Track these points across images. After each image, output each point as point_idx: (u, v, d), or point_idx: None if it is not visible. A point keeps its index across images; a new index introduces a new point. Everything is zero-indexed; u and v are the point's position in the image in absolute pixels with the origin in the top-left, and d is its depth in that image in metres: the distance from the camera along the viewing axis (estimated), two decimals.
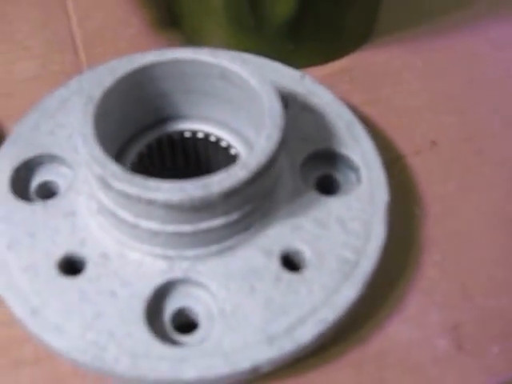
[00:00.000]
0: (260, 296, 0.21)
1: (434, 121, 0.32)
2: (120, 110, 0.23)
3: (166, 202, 0.19)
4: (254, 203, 0.21)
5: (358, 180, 0.24)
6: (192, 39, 0.34)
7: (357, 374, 0.23)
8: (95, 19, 0.35)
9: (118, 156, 0.24)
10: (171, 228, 0.21)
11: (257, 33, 0.31)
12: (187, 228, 0.21)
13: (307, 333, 0.20)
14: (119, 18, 0.36)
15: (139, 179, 0.20)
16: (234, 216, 0.21)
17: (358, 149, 0.25)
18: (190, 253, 0.21)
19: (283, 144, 0.22)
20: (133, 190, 0.19)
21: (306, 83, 0.27)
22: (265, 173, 0.21)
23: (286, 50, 0.32)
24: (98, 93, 0.22)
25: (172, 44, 0.34)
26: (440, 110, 0.32)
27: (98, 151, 0.20)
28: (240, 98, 0.23)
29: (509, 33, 0.37)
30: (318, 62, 0.33)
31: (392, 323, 0.24)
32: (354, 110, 0.31)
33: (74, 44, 0.34)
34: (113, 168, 0.20)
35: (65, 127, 0.25)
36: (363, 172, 0.24)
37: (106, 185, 0.20)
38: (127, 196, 0.20)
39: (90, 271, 0.21)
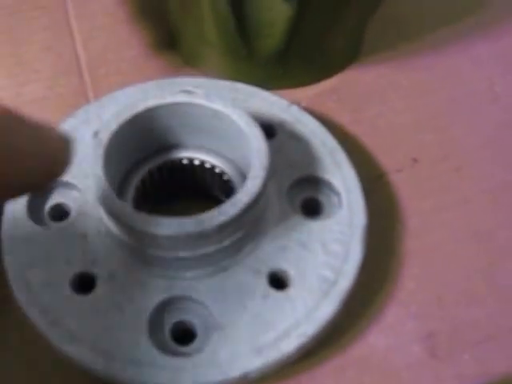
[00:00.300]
0: (250, 312, 0.24)
1: (415, 139, 0.34)
2: (125, 146, 0.26)
3: (165, 236, 0.22)
4: (245, 230, 0.24)
5: (340, 204, 0.27)
6: (189, 62, 0.36)
7: (339, 377, 0.26)
8: (98, 40, 0.38)
9: (123, 182, 0.27)
10: (171, 254, 0.23)
11: (249, 60, 0.34)
12: (185, 254, 0.23)
13: (290, 345, 0.23)
14: (121, 39, 0.38)
15: (143, 216, 0.22)
16: (227, 242, 0.24)
17: (340, 175, 0.28)
18: (189, 273, 0.24)
19: (269, 179, 0.24)
20: (138, 226, 0.22)
21: (293, 111, 0.30)
22: (252, 208, 0.23)
23: (276, 74, 0.35)
24: (105, 136, 0.24)
25: (171, 66, 0.37)
26: (422, 128, 0.34)
27: (108, 191, 0.23)
28: (231, 134, 0.26)
29: (490, 50, 0.39)
30: (307, 83, 0.36)
31: (371, 332, 0.27)
32: (341, 129, 0.34)
33: (79, 66, 0.36)
34: (121, 206, 0.23)
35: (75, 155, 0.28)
36: (344, 197, 0.27)
37: (114, 219, 0.23)
38: (133, 229, 0.23)
39: (100, 288, 0.24)
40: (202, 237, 0.23)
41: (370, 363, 0.26)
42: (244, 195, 0.23)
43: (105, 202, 0.23)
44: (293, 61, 0.34)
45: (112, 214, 0.23)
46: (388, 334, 0.27)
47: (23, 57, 0.37)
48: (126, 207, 0.23)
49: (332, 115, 0.34)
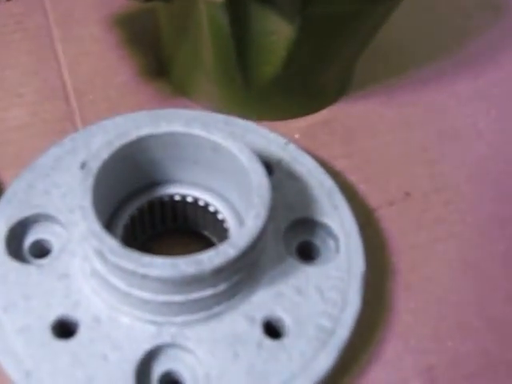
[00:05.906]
0: (243, 362, 0.22)
1: (406, 172, 0.34)
2: (115, 177, 0.24)
3: (158, 277, 0.21)
4: (241, 274, 0.23)
5: (337, 248, 0.26)
6: (179, 89, 0.35)
7: None
8: (85, 66, 0.36)
9: (112, 218, 0.25)
10: (162, 298, 0.22)
11: (243, 89, 0.33)
12: (177, 298, 0.22)
13: None
14: (108, 64, 0.37)
15: (135, 255, 0.21)
16: (222, 287, 0.22)
17: (338, 218, 0.27)
18: (178, 319, 0.23)
19: (270, 219, 0.23)
20: (128, 265, 0.21)
21: (290, 150, 0.29)
22: (253, 249, 0.22)
23: (270, 104, 0.34)
24: (95, 165, 0.23)
25: (160, 94, 0.35)
26: (412, 162, 0.34)
27: (96, 226, 0.21)
28: (229, 169, 0.25)
29: (472, 87, 0.39)
30: (300, 115, 0.35)
31: (372, 368, 0.26)
32: (333, 161, 0.33)
33: (66, 91, 0.35)
34: (110, 243, 0.21)
35: (59, 186, 0.26)
36: (342, 241, 0.26)
37: (102, 257, 0.21)
38: (122, 269, 0.21)
39: (82, 334, 0.23)
40: (196, 279, 0.21)
41: None
42: (244, 235, 0.22)
43: (92, 238, 0.21)
44: (286, 93, 0.34)
45: (99, 250, 0.21)
46: (389, 369, 0.26)
47: (7, 82, 0.35)
48: (116, 244, 0.21)
49: (324, 148, 0.34)
